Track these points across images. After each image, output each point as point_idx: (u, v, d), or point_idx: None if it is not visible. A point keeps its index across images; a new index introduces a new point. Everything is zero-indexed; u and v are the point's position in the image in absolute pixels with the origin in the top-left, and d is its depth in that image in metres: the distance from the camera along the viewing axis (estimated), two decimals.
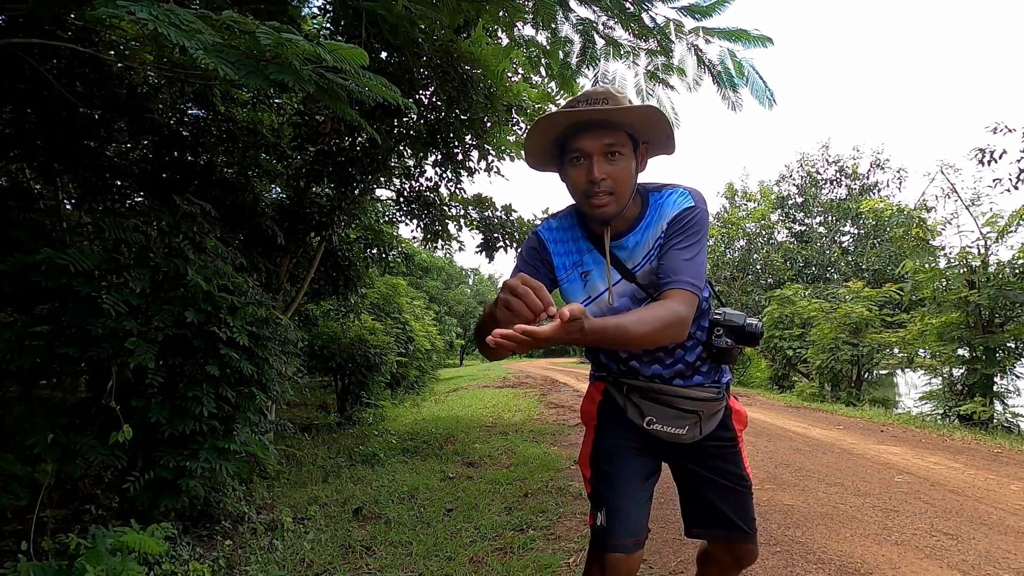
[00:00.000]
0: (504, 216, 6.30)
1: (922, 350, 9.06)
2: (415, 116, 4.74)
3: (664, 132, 1.32)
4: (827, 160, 18.88)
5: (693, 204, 1.33)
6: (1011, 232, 7.43)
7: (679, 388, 1.44)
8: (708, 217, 1.35)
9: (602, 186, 1.25)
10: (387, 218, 7.00)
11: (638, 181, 1.35)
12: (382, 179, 5.55)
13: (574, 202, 1.37)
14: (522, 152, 1.58)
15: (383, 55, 4.26)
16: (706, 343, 1.45)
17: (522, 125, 5.36)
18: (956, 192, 8.61)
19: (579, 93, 1.33)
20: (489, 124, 4.93)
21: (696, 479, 1.49)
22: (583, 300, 1.40)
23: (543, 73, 4.22)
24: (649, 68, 3.31)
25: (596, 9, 3.03)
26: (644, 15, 2.96)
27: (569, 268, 1.41)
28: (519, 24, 3.36)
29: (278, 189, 5.57)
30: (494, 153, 5.33)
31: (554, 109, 5.32)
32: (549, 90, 5.21)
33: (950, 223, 8.54)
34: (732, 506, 1.46)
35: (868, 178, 18.28)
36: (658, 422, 1.44)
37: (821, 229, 18.81)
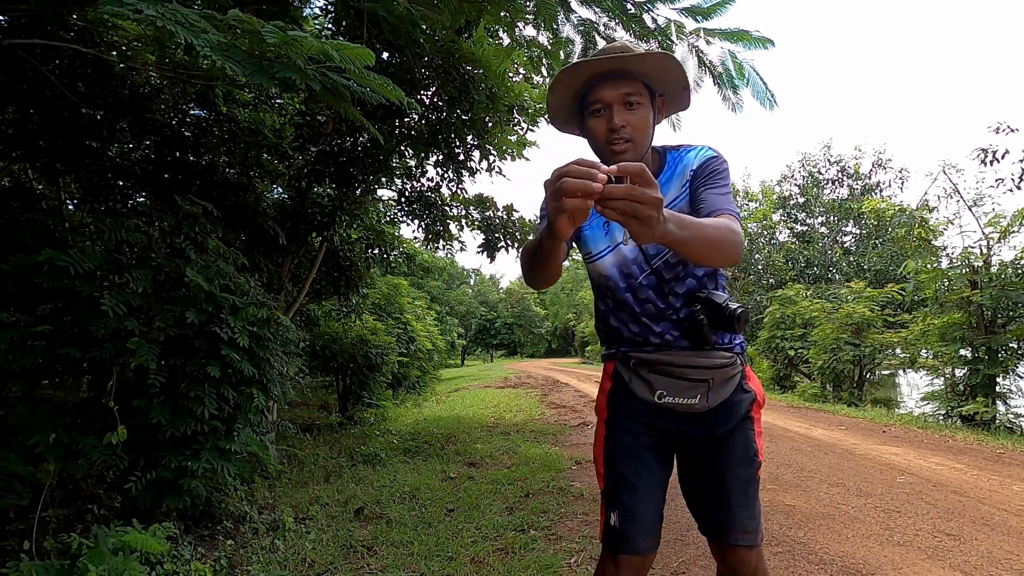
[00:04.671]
0: (505, 216, 6.30)
1: (924, 350, 9.04)
2: (417, 116, 4.74)
3: (679, 83, 1.36)
4: (829, 160, 18.87)
5: (716, 155, 1.37)
6: (1014, 232, 7.41)
7: (688, 355, 1.39)
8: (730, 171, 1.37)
9: (621, 133, 1.28)
10: (388, 218, 7.00)
11: (654, 141, 1.38)
12: (383, 179, 5.56)
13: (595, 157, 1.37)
14: (545, 114, 1.59)
15: (384, 55, 4.27)
16: (686, 316, 1.40)
17: (523, 125, 5.36)
18: (958, 192, 8.60)
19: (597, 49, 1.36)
20: (491, 124, 4.93)
21: (707, 458, 1.43)
22: (604, 248, 1.44)
23: (544, 73, 4.23)
24: None
25: (597, 10, 3.03)
26: (645, 16, 2.96)
27: (592, 216, 1.38)
28: (520, 25, 3.37)
29: (280, 189, 5.57)
30: (495, 153, 5.33)
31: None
32: None
33: (952, 223, 8.54)
34: (738, 490, 1.39)
35: (870, 178, 18.26)
36: (669, 395, 1.39)
37: (823, 229, 18.79)
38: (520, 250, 1.19)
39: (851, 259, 17.17)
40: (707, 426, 1.42)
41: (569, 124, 1.44)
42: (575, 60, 3.38)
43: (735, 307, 1.34)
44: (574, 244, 1.49)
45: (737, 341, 1.46)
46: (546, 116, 1.42)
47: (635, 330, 1.45)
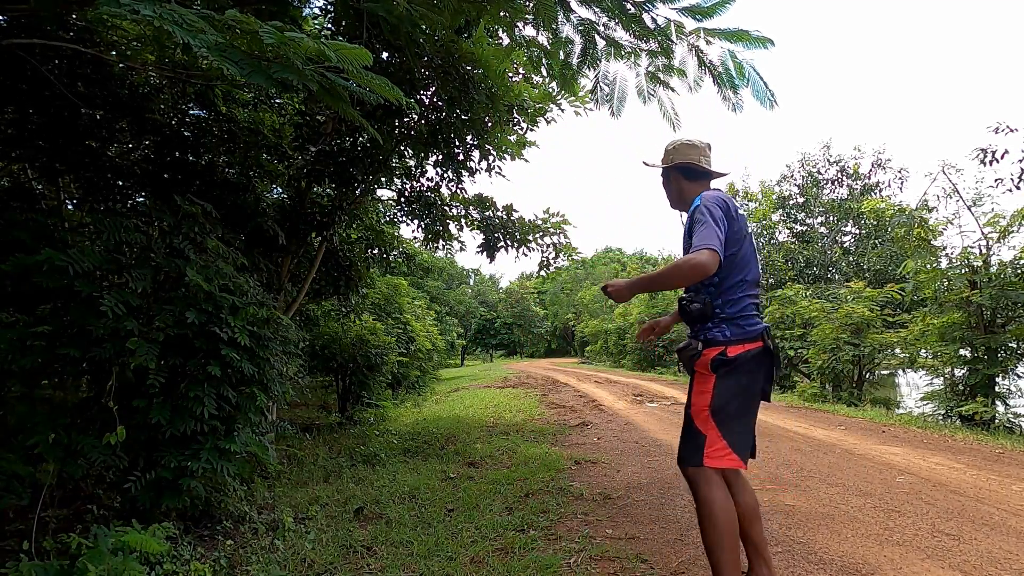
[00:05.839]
0: (505, 216, 6.30)
1: (923, 350, 9.02)
2: (416, 116, 4.74)
3: (672, 163, 2.29)
4: (828, 160, 18.85)
5: (698, 204, 2.05)
6: (1013, 232, 7.40)
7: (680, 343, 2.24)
8: (708, 201, 2.03)
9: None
10: (388, 218, 7.00)
11: (688, 192, 2.28)
12: (383, 179, 5.56)
13: None
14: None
15: (384, 55, 4.27)
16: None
17: (523, 125, 5.36)
18: (958, 192, 8.60)
19: None
20: (490, 124, 4.93)
21: None
22: None
23: (544, 73, 4.23)
24: (650, 69, 3.31)
25: (597, 10, 3.03)
26: (645, 16, 2.96)
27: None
28: (520, 24, 3.36)
29: (279, 189, 5.58)
30: (495, 153, 5.33)
31: (555, 109, 5.32)
32: (550, 90, 5.21)
33: (952, 223, 8.52)
34: (683, 428, 2.15)
35: (869, 178, 18.23)
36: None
37: (822, 229, 18.78)
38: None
39: (851, 259, 17.17)
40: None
41: None
42: (574, 61, 3.39)
43: (695, 306, 2.08)
44: None
45: (702, 331, 2.10)
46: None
47: None
